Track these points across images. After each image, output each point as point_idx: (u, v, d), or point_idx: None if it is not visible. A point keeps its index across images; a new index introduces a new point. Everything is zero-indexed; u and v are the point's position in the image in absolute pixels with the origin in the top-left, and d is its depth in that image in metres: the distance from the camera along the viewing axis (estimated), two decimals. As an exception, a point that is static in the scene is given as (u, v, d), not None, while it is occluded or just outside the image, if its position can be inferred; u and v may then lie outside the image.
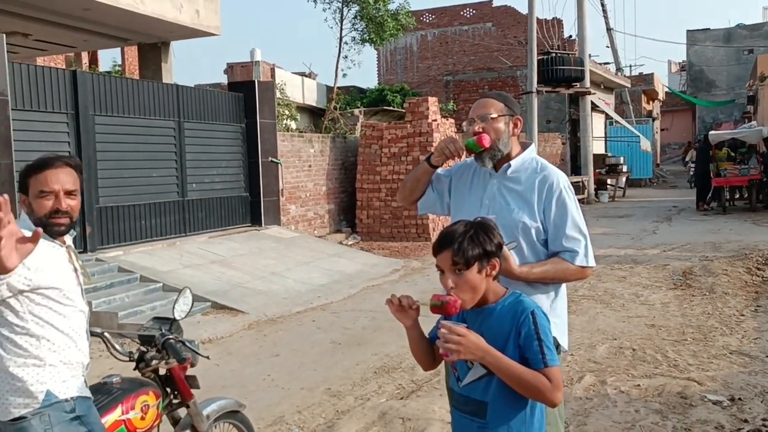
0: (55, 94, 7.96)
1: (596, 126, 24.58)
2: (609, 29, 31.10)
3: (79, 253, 8.10)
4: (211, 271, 8.54)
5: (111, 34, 11.53)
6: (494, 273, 2.05)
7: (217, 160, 10.61)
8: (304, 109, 20.60)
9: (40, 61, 18.69)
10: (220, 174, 10.67)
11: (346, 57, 16.31)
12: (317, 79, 23.89)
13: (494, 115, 2.67)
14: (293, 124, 16.95)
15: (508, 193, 2.69)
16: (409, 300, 2.04)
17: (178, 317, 2.69)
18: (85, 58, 21.03)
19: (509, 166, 2.72)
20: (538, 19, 22.39)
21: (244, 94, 11.22)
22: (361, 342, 6.39)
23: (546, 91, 19.84)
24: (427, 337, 2.13)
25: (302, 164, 12.62)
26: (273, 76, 22.88)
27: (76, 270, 2.26)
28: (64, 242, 2.25)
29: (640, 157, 25.95)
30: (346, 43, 16.08)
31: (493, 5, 28.78)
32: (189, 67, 77.92)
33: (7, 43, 11.67)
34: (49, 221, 2.15)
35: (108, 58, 26.19)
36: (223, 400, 3.07)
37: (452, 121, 14.42)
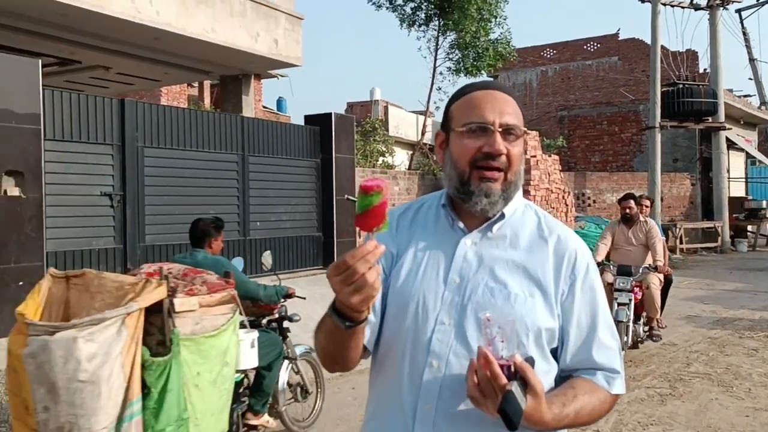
0: (99, 124, 7.44)
1: (734, 165, 21.98)
2: (752, 59, 28.11)
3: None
4: (256, 321, 7.62)
5: (190, 66, 11.20)
6: None
7: (286, 197, 9.81)
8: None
9: (163, 100, 19.08)
10: (288, 212, 9.86)
11: (440, 89, 15.27)
12: (434, 117, 23.10)
13: (522, 130, 1.45)
14: (390, 160, 16.10)
15: (504, 267, 1.43)
16: None
17: None
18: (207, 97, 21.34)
19: (502, 216, 1.47)
20: (670, 51, 20.42)
21: (321, 127, 10.43)
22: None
23: (671, 126, 17.78)
24: None
25: (384, 203, 11.61)
26: (386, 114, 22.31)
27: None
28: None
29: (788, 201, 22.87)
30: (440, 73, 15.06)
31: (619, 38, 27.09)
32: (313, 105, 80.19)
33: (90, 77, 11.77)
34: None
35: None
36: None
37: (556, 158, 12.92)
